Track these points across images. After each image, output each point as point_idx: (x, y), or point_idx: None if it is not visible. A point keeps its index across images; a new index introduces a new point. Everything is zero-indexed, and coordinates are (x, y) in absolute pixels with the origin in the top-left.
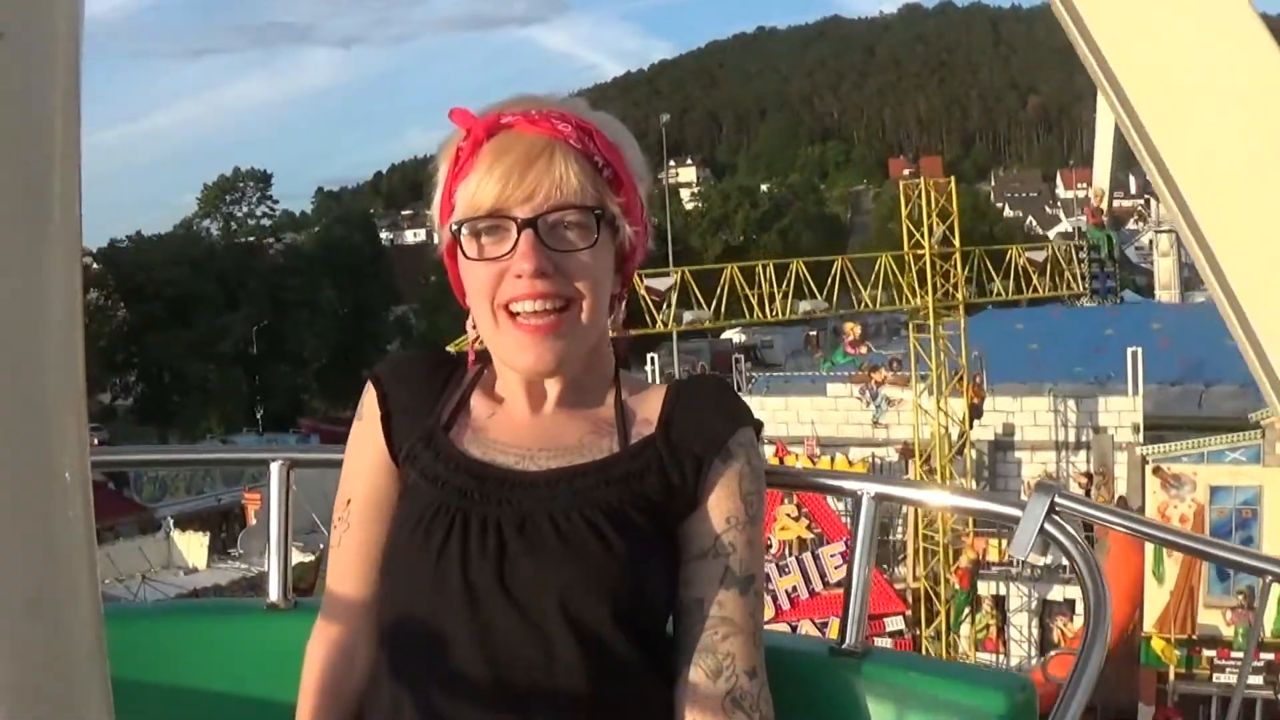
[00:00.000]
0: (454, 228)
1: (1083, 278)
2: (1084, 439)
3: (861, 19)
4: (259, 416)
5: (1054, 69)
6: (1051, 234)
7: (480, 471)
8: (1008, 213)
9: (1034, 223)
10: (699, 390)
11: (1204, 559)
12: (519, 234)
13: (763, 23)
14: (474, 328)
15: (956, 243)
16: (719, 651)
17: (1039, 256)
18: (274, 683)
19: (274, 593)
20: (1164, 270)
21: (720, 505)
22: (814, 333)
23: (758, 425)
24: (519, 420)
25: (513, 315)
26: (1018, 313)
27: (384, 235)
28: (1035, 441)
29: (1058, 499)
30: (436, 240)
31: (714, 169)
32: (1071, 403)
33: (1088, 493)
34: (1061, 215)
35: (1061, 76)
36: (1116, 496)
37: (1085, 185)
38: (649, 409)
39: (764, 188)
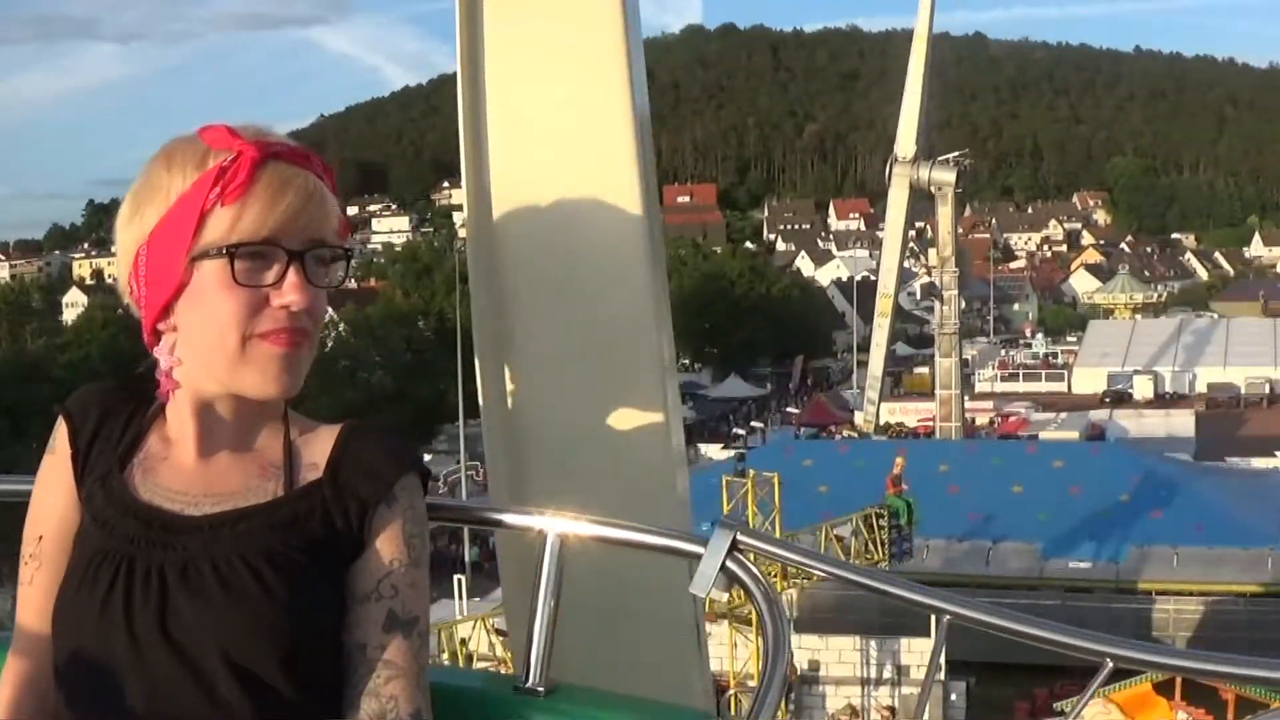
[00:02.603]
0: (221, 250)
1: (883, 544)
2: (886, 675)
3: (644, 39)
4: None
5: (833, 96)
6: (823, 277)
7: (147, 516)
8: (780, 245)
9: (806, 259)
10: (367, 434)
11: (882, 595)
12: (288, 266)
13: None
14: (170, 354)
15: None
16: (382, 695)
17: (844, 532)
18: None
19: None
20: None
21: (384, 548)
22: None
23: (424, 471)
24: (186, 463)
25: (261, 343)
26: (807, 446)
27: None
28: (839, 677)
29: (739, 536)
30: (120, 253)
31: None
32: (874, 642)
33: None
34: (834, 249)
35: (840, 104)
36: None
37: (857, 215)
38: (318, 451)
39: None
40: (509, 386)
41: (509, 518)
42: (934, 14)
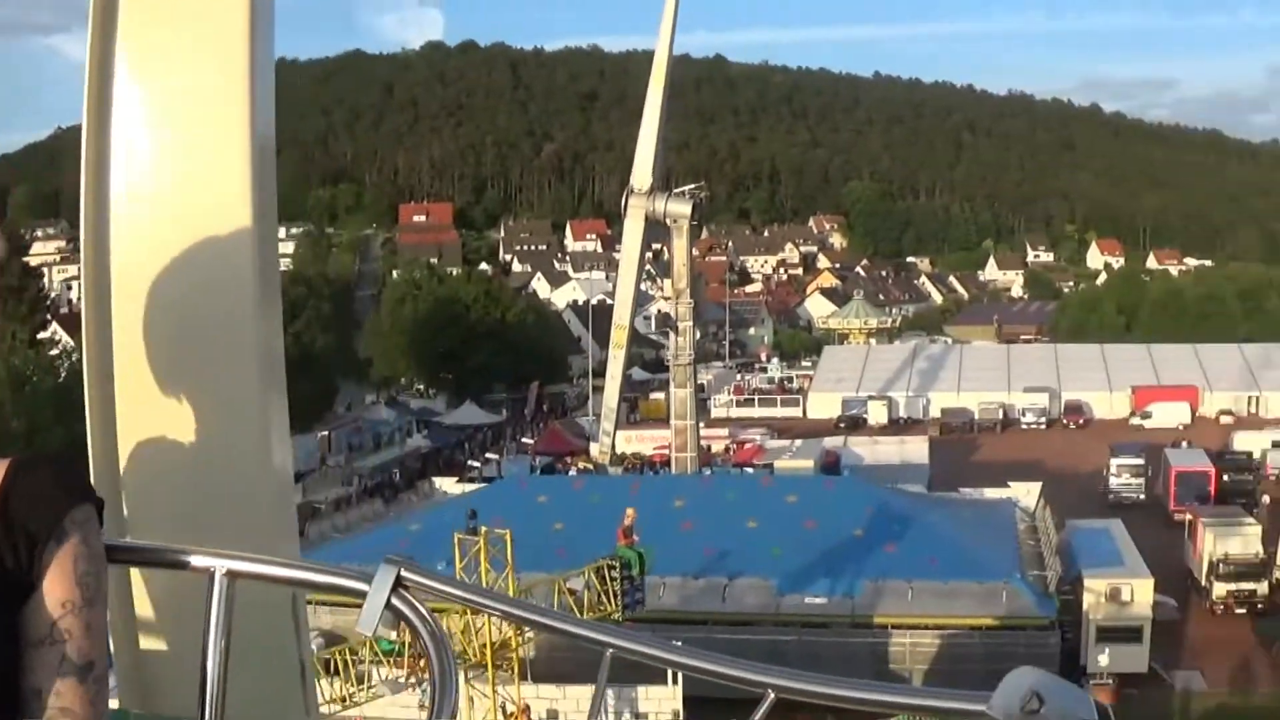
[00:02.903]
0: None
1: (615, 595)
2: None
3: (384, 55)
4: None
5: (572, 116)
6: (560, 299)
7: None
8: (517, 266)
9: (543, 280)
10: (37, 465)
11: (547, 630)
12: None
13: (284, 54)
14: None
15: None
16: None
17: (577, 585)
18: None
19: None
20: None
21: (56, 588)
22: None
23: (99, 502)
24: None
25: None
26: (542, 482)
27: None
28: None
29: (404, 572)
30: None
31: None
32: (611, 691)
33: None
34: (570, 270)
35: (579, 124)
36: None
37: (594, 236)
38: None
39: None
40: (115, 415)
41: (173, 555)
42: (673, 42)
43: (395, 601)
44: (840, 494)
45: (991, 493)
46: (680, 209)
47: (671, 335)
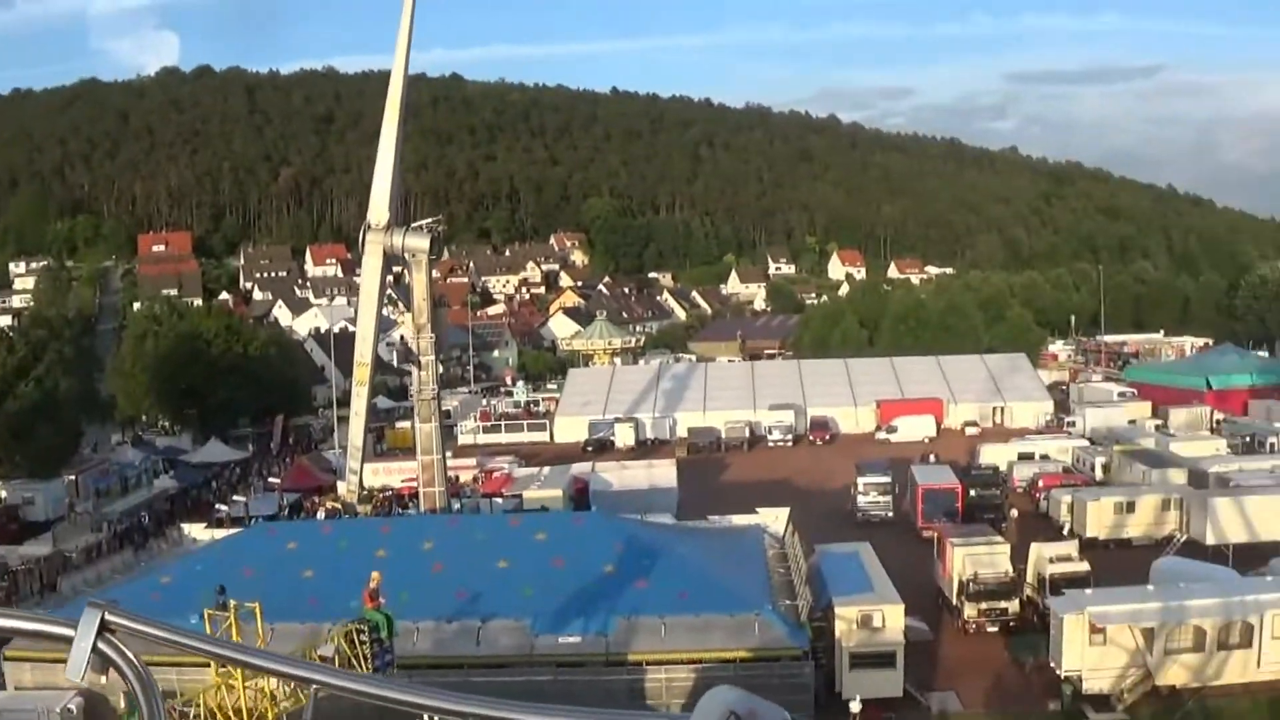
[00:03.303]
0: None
1: (365, 659)
2: None
3: (118, 82)
4: None
5: (309, 139)
6: (301, 326)
7: None
8: (257, 294)
9: (284, 308)
10: None
11: (244, 666)
12: None
13: (19, 84)
14: None
15: None
16: None
17: (327, 651)
18: None
19: None
20: None
21: None
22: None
23: None
24: None
25: None
26: (291, 528)
27: None
28: None
29: (108, 615)
30: None
31: None
32: None
33: None
34: (311, 296)
35: (316, 147)
36: None
37: (334, 260)
38: None
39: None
40: None
41: None
42: (408, 70)
43: (102, 646)
44: (589, 530)
45: (740, 519)
46: (418, 243)
47: (414, 370)
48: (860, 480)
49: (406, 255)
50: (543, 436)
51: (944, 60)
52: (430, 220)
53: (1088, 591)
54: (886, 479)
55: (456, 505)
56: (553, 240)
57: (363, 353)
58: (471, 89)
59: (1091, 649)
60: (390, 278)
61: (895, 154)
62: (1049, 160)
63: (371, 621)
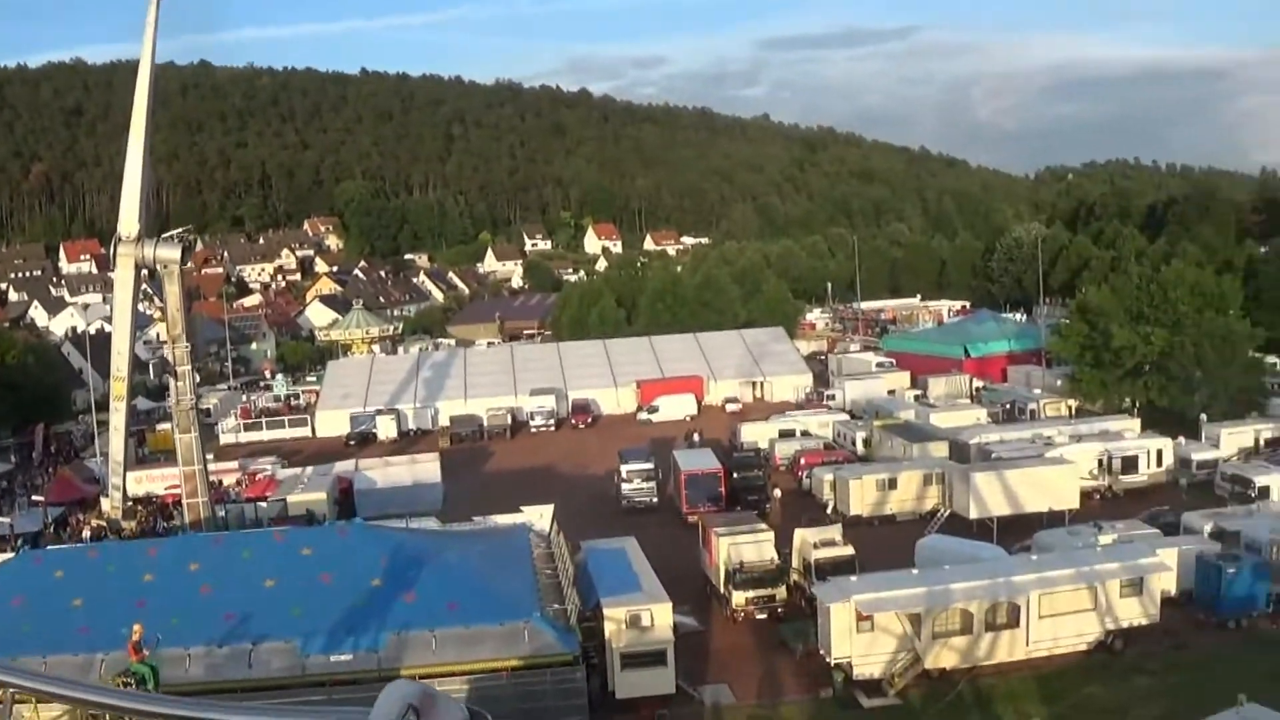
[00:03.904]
0: None
1: None
2: None
3: None
4: None
5: (59, 133)
6: (58, 326)
7: None
8: (13, 295)
9: (40, 308)
10: None
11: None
12: None
13: None
14: None
15: None
16: None
17: None
18: None
19: None
20: None
21: None
22: None
23: None
24: None
25: None
26: (57, 556)
27: None
28: None
29: None
30: None
31: None
32: None
33: None
34: (66, 295)
35: (66, 141)
36: None
37: (89, 256)
38: None
39: None
40: None
41: None
42: (154, 74)
43: None
44: (354, 543)
45: (505, 519)
46: (170, 254)
47: (171, 381)
48: (623, 468)
49: (158, 267)
50: (305, 432)
51: (695, 28)
52: (181, 230)
53: (853, 579)
54: (649, 465)
55: (222, 512)
56: (307, 226)
57: (119, 367)
58: (221, 75)
59: (860, 636)
60: (145, 270)
61: (647, 125)
62: (801, 126)
63: (138, 674)
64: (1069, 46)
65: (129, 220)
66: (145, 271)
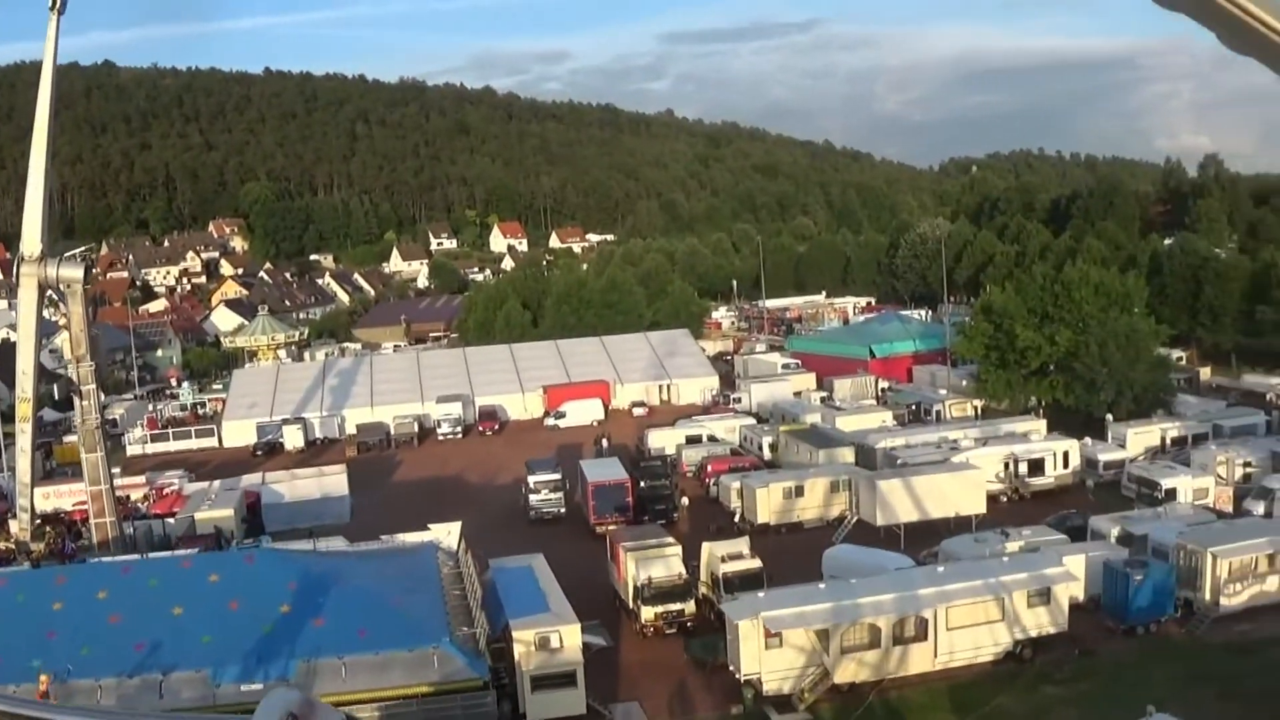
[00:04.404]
0: None
1: None
2: None
3: None
4: None
5: None
6: None
7: None
8: None
9: None
10: None
11: None
12: None
13: None
14: None
15: None
16: None
17: None
18: None
19: None
20: None
21: None
22: None
23: None
24: None
25: None
26: None
27: None
28: None
29: None
30: None
31: None
32: None
33: None
34: None
35: None
36: None
37: None
38: None
39: None
40: None
41: None
42: (55, 88)
43: None
44: (262, 568)
45: (412, 538)
46: (72, 274)
47: (76, 400)
48: (531, 479)
49: (61, 286)
50: (211, 442)
51: (599, 23)
52: (83, 249)
53: (760, 594)
54: (556, 476)
55: (130, 530)
56: (212, 228)
57: (24, 388)
58: (125, 75)
59: (769, 652)
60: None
61: (552, 123)
62: (705, 122)
63: None
64: (973, 38)
65: (31, 240)
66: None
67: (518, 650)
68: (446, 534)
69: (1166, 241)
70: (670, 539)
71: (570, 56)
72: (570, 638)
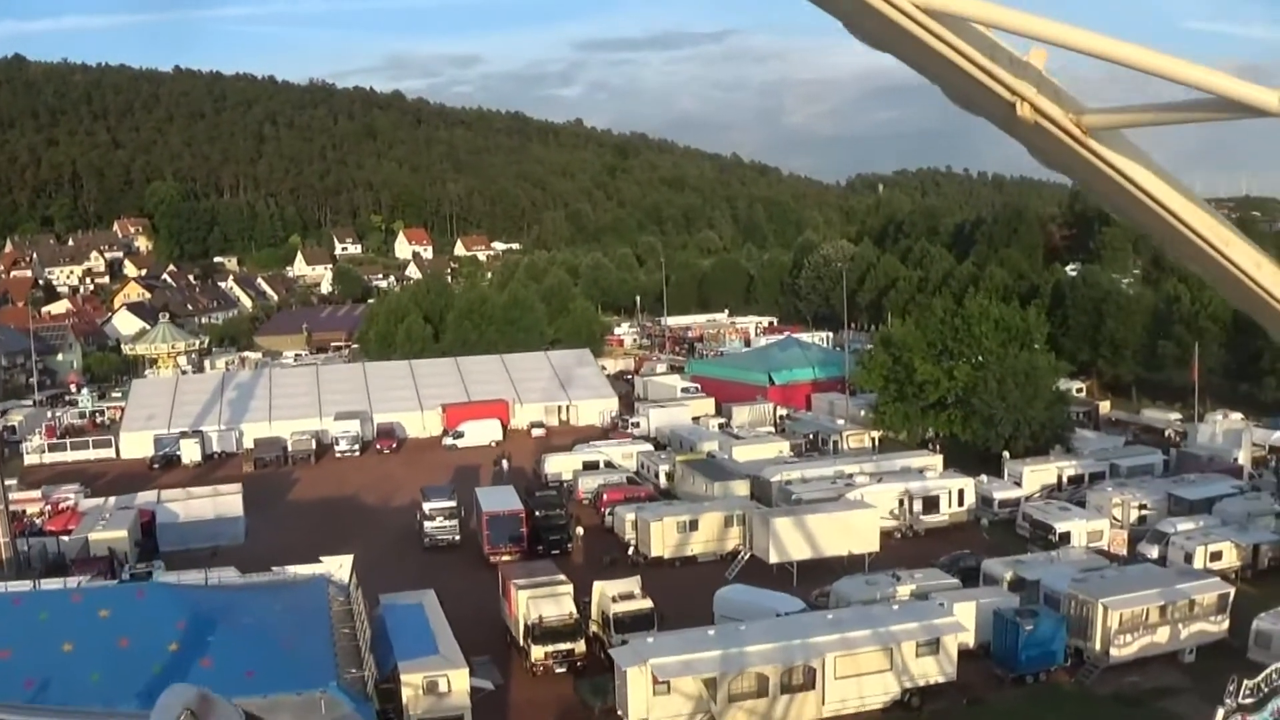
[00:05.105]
0: None
1: None
2: None
3: None
4: None
5: None
6: None
7: None
8: None
9: None
10: None
11: None
12: None
13: None
14: None
15: None
16: None
17: None
18: None
19: None
20: None
21: None
22: None
23: None
24: None
25: None
26: None
27: None
28: None
29: None
30: None
31: None
32: None
33: None
34: None
35: None
36: None
37: None
38: None
39: None
40: None
41: None
42: None
43: None
44: (151, 604)
45: (304, 570)
46: None
47: None
48: (426, 506)
49: None
50: (109, 453)
51: (512, 26)
52: None
53: (650, 639)
54: (452, 503)
55: (25, 547)
56: (117, 227)
57: None
58: (34, 70)
59: (657, 698)
60: None
61: (460, 129)
62: (614, 132)
63: None
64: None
65: None
66: None
67: (405, 693)
68: (339, 567)
69: (1070, 269)
70: (562, 577)
71: (483, 60)
72: (458, 681)
